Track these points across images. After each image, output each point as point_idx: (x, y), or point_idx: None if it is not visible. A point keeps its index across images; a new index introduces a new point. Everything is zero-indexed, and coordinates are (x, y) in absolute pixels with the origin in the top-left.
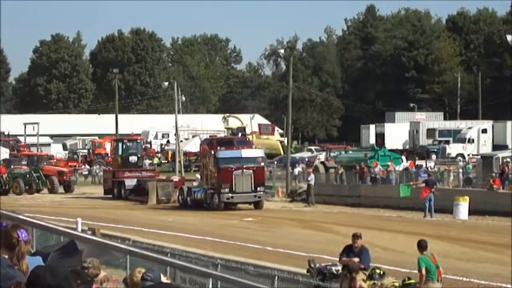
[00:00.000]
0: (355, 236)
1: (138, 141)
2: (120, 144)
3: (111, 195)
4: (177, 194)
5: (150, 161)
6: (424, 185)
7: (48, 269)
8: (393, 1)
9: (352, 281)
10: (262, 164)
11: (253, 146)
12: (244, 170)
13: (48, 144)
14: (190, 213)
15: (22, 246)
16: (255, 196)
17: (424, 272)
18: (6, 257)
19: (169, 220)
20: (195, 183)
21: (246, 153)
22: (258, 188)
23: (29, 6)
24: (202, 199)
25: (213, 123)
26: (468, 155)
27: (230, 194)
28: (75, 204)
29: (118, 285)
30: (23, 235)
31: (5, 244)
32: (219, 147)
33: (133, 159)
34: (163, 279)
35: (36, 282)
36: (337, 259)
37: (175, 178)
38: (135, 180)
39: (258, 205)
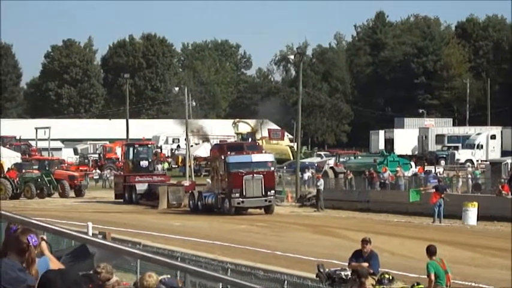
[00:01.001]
0: (364, 241)
1: (149, 146)
2: (131, 149)
3: (122, 200)
4: (188, 199)
5: (161, 166)
6: (434, 190)
7: (59, 273)
8: (403, 7)
9: (361, 286)
10: (272, 168)
11: (263, 151)
12: (255, 175)
13: (60, 149)
14: (199, 217)
15: (32, 251)
16: (266, 201)
17: (432, 277)
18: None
19: (176, 224)
20: (205, 188)
21: (256, 157)
22: (269, 193)
23: (41, 12)
24: (213, 204)
25: (223, 129)
26: (477, 160)
27: (241, 199)
28: (85, 208)
29: None
30: (33, 240)
31: (16, 249)
32: (229, 152)
33: (144, 163)
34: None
35: (47, 286)
36: (346, 264)
37: (186, 183)
38: (146, 184)
39: (268, 210)
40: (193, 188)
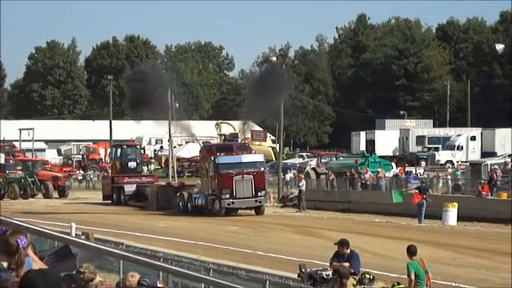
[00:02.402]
0: (341, 244)
1: (137, 146)
2: (119, 150)
3: (110, 201)
4: (178, 200)
5: (146, 167)
6: (416, 191)
7: (40, 273)
8: (384, 10)
9: (342, 286)
10: (262, 168)
11: (253, 151)
12: (245, 175)
13: (43, 150)
14: (183, 218)
15: (22, 253)
16: (256, 201)
17: (413, 277)
18: (5, 263)
19: (160, 225)
20: (195, 189)
21: (246, 158)
22: (259, 193)
23: (25, 13)
24: (203, 205)
25: (206, 130)
26: (457, 161)
27: (231, 200)
28: (70, 209)
29: None
30: (23, 242)
31: (5, 251)
32: (218, 153)
33: (132, 164)
34: (159, 284)
35: (28, 286)
36: (328, 264)
37: (176, 184)
38: (135, 185)
39: (259, 210)
40: (183, 189)
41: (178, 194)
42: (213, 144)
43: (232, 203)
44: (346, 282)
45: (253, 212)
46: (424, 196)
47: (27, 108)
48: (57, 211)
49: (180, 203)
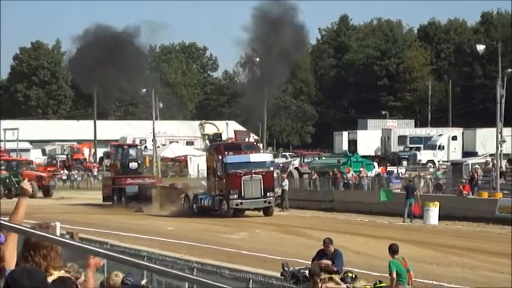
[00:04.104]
0: (325, 243)
1: (138, 147)
2: (120, 150)
3: (110, 203)
4: (182, 201)
5: None
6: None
7: (25, 273)
8: (366, 11)
9: (314, 284)
10: (272, 168)
11: (262, 150)
12: (253, 175)
13: (28, 150)
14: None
15: (1, 249)
16: (265, 202)
17: (394, 275)
18: None
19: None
20: (200, 190)
21: (254, 157)
22: (268, 194)
23: (9, 14)
24: (210, 206)
25: (190, 130)
26: (438, 161)
27: (239, 200)
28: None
29: None
30: (0, 237)
31: None
32: (226, 152)
33: (133, 165)
34: (144, 283)
35: (13, 286)
36: (310, 263)
37: (179, 185)
38: (136, 187)
39: (267, 211)
40: (187, 190)
41: (183, 195)
42: (221, 143)
43: (241, 203)
44: (318, 281)
45: (261, 213)
46: (413, 195)
47: (11, 108)
48: (46, 210)
49: (185, 204)
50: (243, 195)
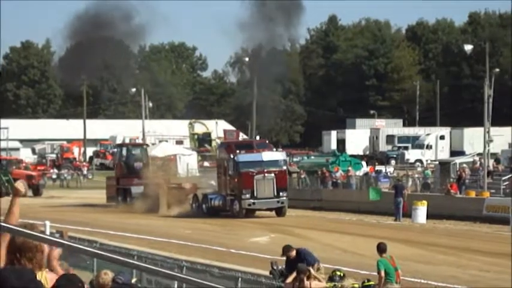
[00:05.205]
0: (284, 251)
1: (144, 146)
2: (124, 150)
3: (114, 203)
4: (191, 202)
5: None
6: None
7: (13, 271)
8: (354, 11)
9: (301, 282)
10: (285, 167)
11: (274, 149)
12: (266, 174)
13: (18, 149)
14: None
15: None
16: (278, 202)
17: (383, 274)
18: None
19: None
20: (209, 190)
21: (267, 156)
22: (281, 193)
23: None
24: (220, 206)
25: (179, 129)
26: (426, 160)
27: (251, 200)
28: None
29: None
30: None
31: None
32: (238, 151)
33: (138, 165)
34: (134, 281)
35: (2, 285)
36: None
37: (187, 185)
38: (142, 187)
39: (280, 212)
40: (196, 190)
41: (191, 195)
42: (232, 141)
43: (253, 203)
44: (304, 279)
45: (273, 213)
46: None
47: (1, 107)
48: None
49: (194, 205)
50: (255, 195)
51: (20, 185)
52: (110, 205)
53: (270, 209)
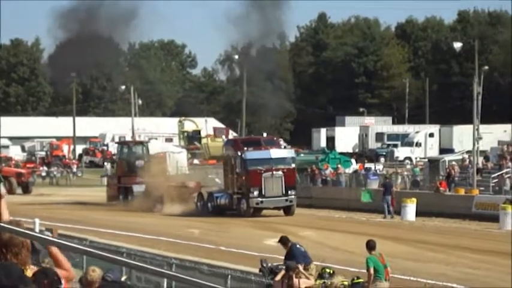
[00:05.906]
0: (281, 243)
1: (145, 144)
2: (125, 148)
3: (115, 202)
4: (196, 200)
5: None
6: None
7: (2, 268)
8: (344, 9)
9: (289, 279)
10: (293, 165)
11: (282, 146)
12: (274, 172)
13: (7, 146)
14: (145, 214)
15: None
16: (286, 200)
17: (372, 271)
18: None
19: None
20: (214, 188)
21: (275, 153)
22: (289, 192)
23: None
24: (227, 204)
25: (168, 127)
26: (416, 158)
27: (259, 199)
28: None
29: (74, 285)
30: None
31: None
32: (245, 148)
33: (139, 163)
34: (124, 279)
35: None
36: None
37: (191, 183)
38: (144, 186)
39: (289, 210)
40: (200, 189)
41: (195, 193)
42: (238, 138)
43: (261, 202)
44: (293, 276)
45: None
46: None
47: None
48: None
49: (199, 203)
50: (263, 193)
51: (3, 190)
52: (104, 203)
53: (278, 208)
